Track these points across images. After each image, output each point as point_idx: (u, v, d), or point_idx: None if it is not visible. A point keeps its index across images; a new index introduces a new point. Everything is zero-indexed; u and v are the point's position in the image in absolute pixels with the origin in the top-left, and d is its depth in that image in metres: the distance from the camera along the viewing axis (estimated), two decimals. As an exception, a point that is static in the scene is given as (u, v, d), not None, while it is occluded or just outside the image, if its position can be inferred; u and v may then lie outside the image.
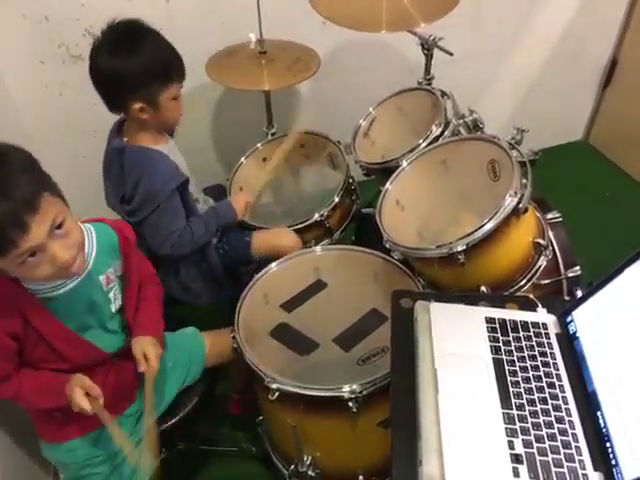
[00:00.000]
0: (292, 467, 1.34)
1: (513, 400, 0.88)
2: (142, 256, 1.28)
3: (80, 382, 1.06)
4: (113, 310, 1.17)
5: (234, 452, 1.62)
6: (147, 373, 1.16)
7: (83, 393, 1.05)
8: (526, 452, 0.82)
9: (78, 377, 1.07)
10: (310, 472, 1.30)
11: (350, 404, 1.15)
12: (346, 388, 1.15)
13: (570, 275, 1.44)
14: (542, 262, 1.30)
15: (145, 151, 1.42)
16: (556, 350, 0.97)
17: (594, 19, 2.40)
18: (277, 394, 1.17)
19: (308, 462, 1.30)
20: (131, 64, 1.31)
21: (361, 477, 1.34)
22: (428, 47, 1.73)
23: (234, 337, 1.27)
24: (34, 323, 1.02)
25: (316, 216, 1.64)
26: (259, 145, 1.87)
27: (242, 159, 1.85)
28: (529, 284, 1.31)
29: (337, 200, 1.66)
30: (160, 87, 1.35)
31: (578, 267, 1.45)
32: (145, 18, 1.80)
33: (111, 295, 1.15)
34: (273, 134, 1.92)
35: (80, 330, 1.11)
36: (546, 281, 1.41)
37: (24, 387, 1.08)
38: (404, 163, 1.45)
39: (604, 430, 0.83)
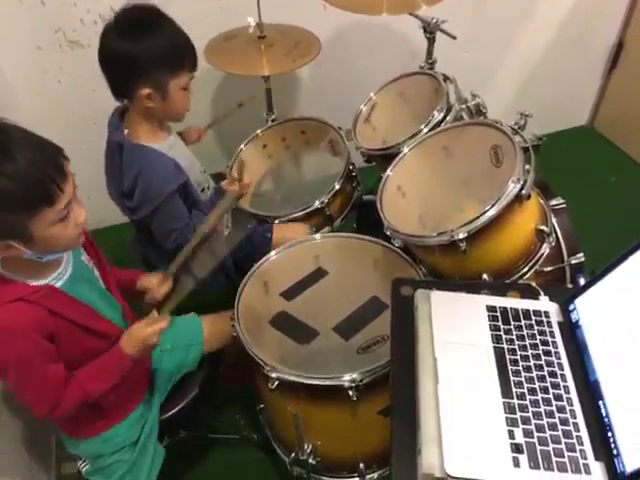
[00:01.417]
0: (293, 455, 1.33)
1: (514, 389, 0.88)
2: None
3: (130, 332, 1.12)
4: (104, 287, 1.19)
5: (235, 440, 1.63)
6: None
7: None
8: (526, 442, 0.81)
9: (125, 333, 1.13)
10: (311, 460, 1.30)
11: (350, 393, 1.14)
12: (346, 377, 1.14)
13: (573, 262, 1.43)
14: (545, 249, 1.28)
15: (143, 151, 1.38)
16: (558, 339, 0.95)
17: (600, 1, 2.36)
18: (277, 383, 1.17)
19: (309, 450, 1.29)
20: (143, 46, 1.28)
21: (362, 465, 1.34)
22: (430, 30, 1.69)
23: (234, 326, 1.27)
24: (60, 310, 1.01)
25: (317, 203, 1.62)
26: (259, 131, 1.85)
27: (242, 146, 1.83)
28: (532, 271, 1.29)
29: (338, 187, 1.64)
30: (171, 74, 1.31)
31: (582, 254, 1.43)
32: (143, 2, 1.79)
33: (97, 273, 1.17)
34: (273, 120, 1.90)
35: (97, 310, 1.12)
36: (549, 268, 1.39)
37: (85, 381, 1.07)
38: (405, 149, 1.43)
39: (606, 420, 0.82)
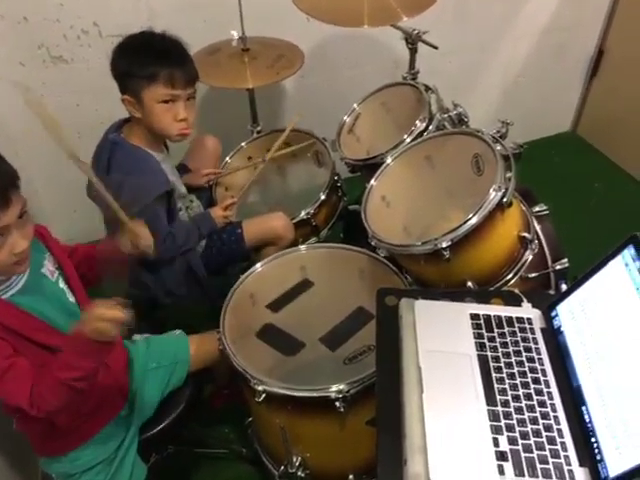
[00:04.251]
0: (282, 468, 1.33)
1: (498, 397, 0.88)
2: (60, 242, 1.24)
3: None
4: (72, 300, 1.16)
5: (224, 454, 1.61)
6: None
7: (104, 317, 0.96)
8: (511, 449, 0.81)
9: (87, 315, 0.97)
10: (300, 473, 1.29)
11: (337, 404, 1.14)
12: (333, 388, 1.14)
13: (558, 268, 1.43)
14: (528, 256, 1.29)
15: (139, 151, 1.42)
16: (541, 345, 0.96)
17: (580, 9, 2.40)
18: (264, 396, 1.16)
19: (298, 463, 1.29)
20: (123, 54, 1.36)
21: (351, 476, 1.33)
22: (412, 41, 1.71)
23: (220, 339, 1.26)
24: (8, 324, 0.99)
25: (302, 214, 1.63)
26: (243, 144, 1.85)
27: (227, 158, 1.84)
28: (516, 278, 1.30)
29: (323, 197, 1.65)
30: (142, 82, 1.35)
31: (566, 260, 1.44)
32: (126, 16, 1.80)
33: (62, 286, 1.15)
34: (258, 132, 1.91)
35: (52, 324, 1.09)
36: (534, 274, 1.39)
37: (55, 370, 0.99)
38: (389, 159, 1.44)
39: (589, 425, 0.83)
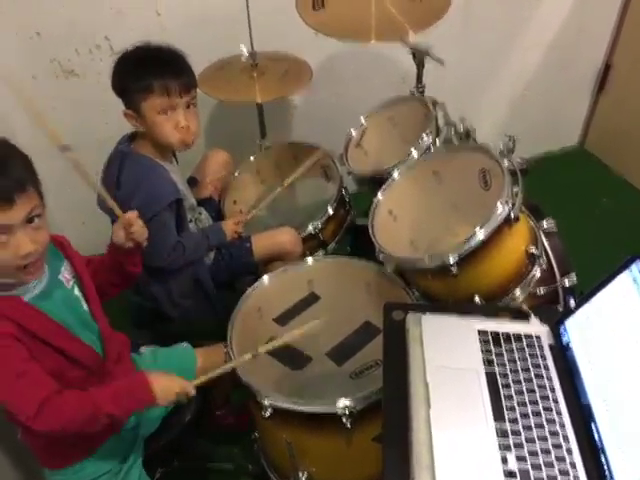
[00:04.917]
0: (288, 484, 1.32)
1: (506, 414, 0.87)
2: (81, 256, 1.25)
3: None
4: (85, 308, 1.16)
5: (230, 469, 1.60)
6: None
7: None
8: (519, 467, 0.80)
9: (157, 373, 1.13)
10: (306, 488, 1.28)
11: (344, 420, 1.13)
12: (340, 404, 1.13)
13: (566, 283, 1.43)
14: (536, 271, 1.28)
15: (149, 161, 1.44)
16: (549, 361, 0.95)
17: (587, 24, 2.41)
18: (270, 410, 1.16)
19: (304, 478, 1.27)
20: (119, 69, 1.39)
21: (358, 493, 1.32)
22: (419, 56, 1.72)
23: (227, 352, 1.26)
24: (23, 322, 1.00)
25: (310, 228, 1.64)
26: (252, 158, 1.86)
27: (235, 172, 1.85)
28: (524, 294, 1.29)
29: (331, 212, 1.66)
30: (139, 96, 1.36)
31: (574, 275, 1.43)
32: (137, 32, 1.82)
33: (77, 293, 1.15)
34: (267, 147, 1.92)
35: (69, 329, 1.10)
36: (542, 290, 1.39)
37: (97, 396, 1.03)
38: (395, 173, 1.44)
39: (598, 443, 0.82)
